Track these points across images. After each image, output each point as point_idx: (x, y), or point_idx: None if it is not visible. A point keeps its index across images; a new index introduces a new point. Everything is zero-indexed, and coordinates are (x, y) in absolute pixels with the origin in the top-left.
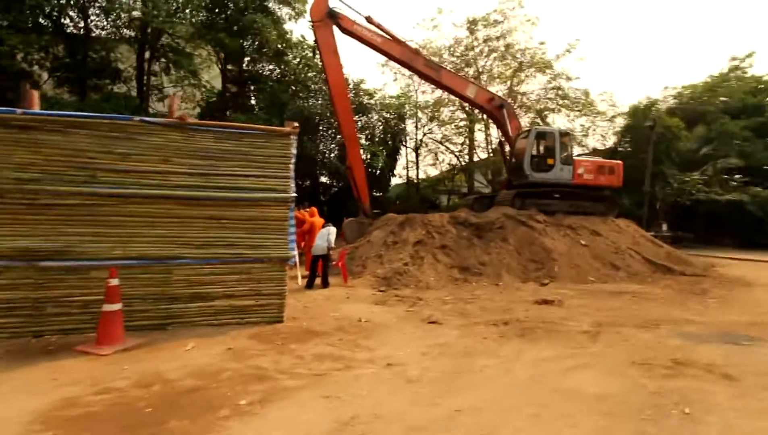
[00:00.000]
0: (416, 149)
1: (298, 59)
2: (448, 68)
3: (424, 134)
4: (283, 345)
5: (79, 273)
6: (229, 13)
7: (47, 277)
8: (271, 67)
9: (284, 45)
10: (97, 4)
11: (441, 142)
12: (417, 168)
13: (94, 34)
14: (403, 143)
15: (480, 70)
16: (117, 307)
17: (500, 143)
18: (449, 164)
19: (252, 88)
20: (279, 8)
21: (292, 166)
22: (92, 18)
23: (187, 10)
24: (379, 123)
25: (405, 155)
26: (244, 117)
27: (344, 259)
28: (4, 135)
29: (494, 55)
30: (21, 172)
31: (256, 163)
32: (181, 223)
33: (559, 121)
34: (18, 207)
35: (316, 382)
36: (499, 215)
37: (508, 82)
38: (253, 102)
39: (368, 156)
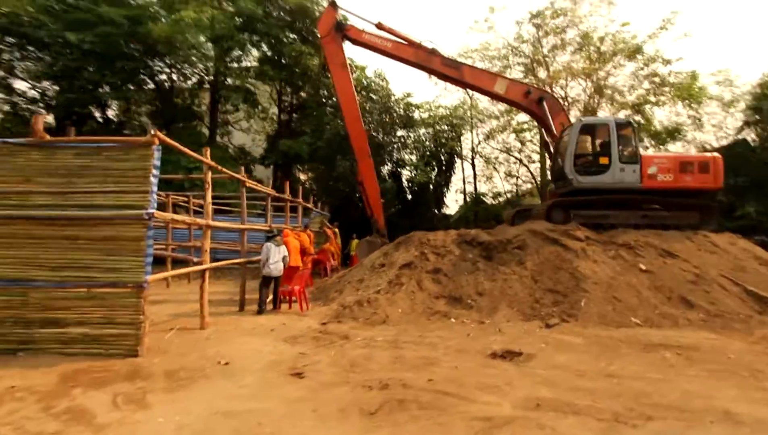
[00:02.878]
0: (472, 161)
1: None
2: (498, 72)
3: (479, 143)
4: (72, 388)
5: None
6: (279, 46)
7: None
8: (311, 91)
9: (324, 70)
10: (180, 55)
11: (508, 152)
12: (475, 181)
13: (176, 85)
14: (459, 156)
15: (553, 67)
16: None
17: (544, 144)
18: (514, 175)
19: (299, 114)
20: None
21: (153, 180)
22: (174, 71)
23: (252, 52)
24: (428, 137)
25: (462, 169)
26: (290, 142)
27: (303, 286)
28: None
29: (570, 48)
30: None
31: (113, 178)
32: (39, 244)
33: (661, 115)
34: None
35: None
36: (521, 232)
37: (593, 77)
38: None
39: (414, 172)
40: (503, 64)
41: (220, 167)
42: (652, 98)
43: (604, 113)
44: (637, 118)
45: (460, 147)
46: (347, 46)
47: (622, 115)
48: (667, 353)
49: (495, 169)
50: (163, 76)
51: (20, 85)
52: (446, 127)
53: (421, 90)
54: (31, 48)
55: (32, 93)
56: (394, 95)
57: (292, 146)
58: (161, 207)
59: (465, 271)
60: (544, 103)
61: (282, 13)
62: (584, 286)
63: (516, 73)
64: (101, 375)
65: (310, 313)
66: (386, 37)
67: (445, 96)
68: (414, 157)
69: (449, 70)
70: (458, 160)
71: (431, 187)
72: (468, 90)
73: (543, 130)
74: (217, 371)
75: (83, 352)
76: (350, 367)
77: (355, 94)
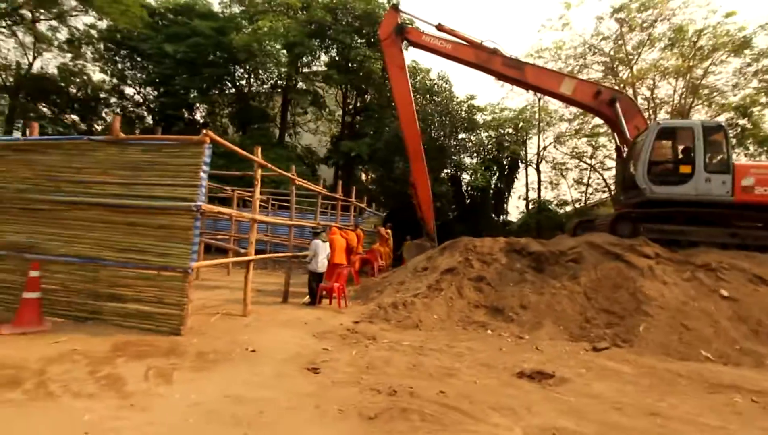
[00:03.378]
0: (537, 166)
1: None
2: (570, 72)
3: (545, 148)
4: (118, 357)
5: (42, 264)
6: (346, 51)
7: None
8: (375, 94)
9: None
10: (257, 61)
11: (579, 158)
12: (539, 188)
13: (253, 89)
14: (523, 161)
15: (638, 66)
16: (35, 295)
17: (616, 150)
18: (584, 183)
19: (362, 116)
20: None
21: (203, 175)
22: (252, 76)
23: (322, 58)
24: (491, 140)
25: (526, 174)
26: (351, 143)
27: (342, 283)
28: (11, 156)
29: (660, 44)
30: (19, 183)
31: (170, 172)
32: (109, 228)
33: None
34: (14, 211)
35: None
36: (578, 244)
37: (687, 75)
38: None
39: (474, 177)
40: (579, 63)
41: (269, 165)
42: (763, 99)
43: (700, 116)
44: (742, 121)
45: (525, 151)
46: (410, 50)
47: (722, 118)
48: (738, 397)
49: (562, 175)
50: (243, 82)
51: (129, 90)
52: (510, 131)
53: (486, 92)
54: (138, 58)
55: (137, 97)
56: (457, 97)
57: (352, 147)
58: (227, 201)
59: (510, 282)
60: (617, 105)
61: (350, 19)
62: (646, 308)
63: (595, 74)
64: (145, 348)
65: (348, 311)
66: (446, 38)
67: (512, 98)
68: (474, 161)
69: (511, 71)
70: (522, 165)
71: (491, 192)
72: (535, 92)
73: (616, 134)
74: (242, 357)
75: (137, 326)
76: (366, 368)
77: (412, 96)
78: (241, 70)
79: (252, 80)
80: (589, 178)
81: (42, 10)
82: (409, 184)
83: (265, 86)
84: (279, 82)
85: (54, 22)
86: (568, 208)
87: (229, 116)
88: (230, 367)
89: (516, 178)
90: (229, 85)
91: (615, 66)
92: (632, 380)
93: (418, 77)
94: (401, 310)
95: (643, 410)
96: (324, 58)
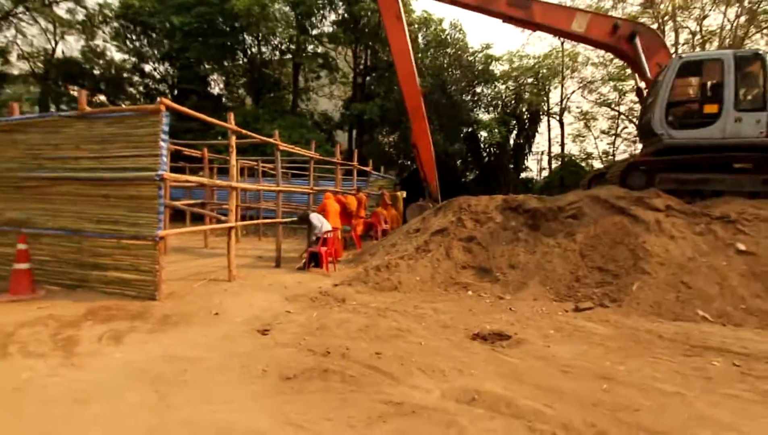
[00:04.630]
0: (561, 117)
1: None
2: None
3: (567, 97)
4: (86, 321)
5: (33, 238)
6: (350, 7)
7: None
8: (383, 52)
9: None
10: (263, 27)
11: (607, 105)
12: (562, 141)
13: (264, 56)
14: (545, 113)
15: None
16: (25, 266)
17: (638, 92)
18: (612, 133)
19: (373, 75)
20: None
21: (163, 145)
22: (262, 43)
23: (330, 16)
24: (509, 92)
25: (549, 127)
26: (361, 105)
27: (330, 247)
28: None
29: None
30: (8, 163)
31: (134, 143)
32: (86, 200)
33: None
34: (8, 189)
35: None
36: (579, 198)
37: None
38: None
39: (491, 133)
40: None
41: (244, 131)
42: None
43: (760, 48)
44: None
45: (547, 102)
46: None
47: None
48: (718, 361)
49: (588, 126)
50: (254, 50)
51: (148, 67)
52: (530, 80)
53: (505, 40)
54: (153, 35)
55: (156, 74)
56: (471, 48)
57: (363, 109)
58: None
59: (503, 241)
60: (637, 40)
61: None
62: (644, 266)
63: (631, 8)
64: (114, 313)
65: (335, 275)
66: None
67: (533, 44)
68: (491, 116)
69: (516, 11)
70: (543, 118)
71: (510, 148)
72: (542, 32)
73: (637, 75)
74: (202, 319)
75: (118, 292)
76: (316, 330)
77: (410, 48)
78: (250, 38)
79: (262, 47)
80: (617, 127)
81: None
82: (411, 144)
83: (276, 52)
84: (290, 47)
85: (71, 4)
86: (596, 163)
87: (244, 86)
88: (185, 329)
89: (537, 131)
90: (241, 54)
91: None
92: (602, 342)
93: (431, 29)
94: (383, 272)
95: (594, 374)
96: (333, 17)
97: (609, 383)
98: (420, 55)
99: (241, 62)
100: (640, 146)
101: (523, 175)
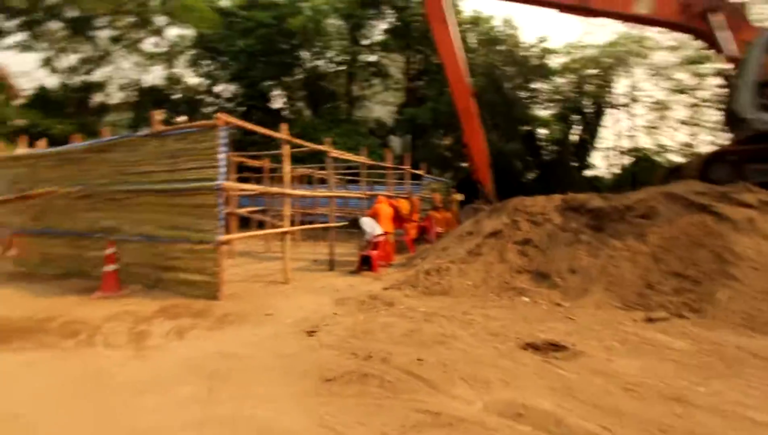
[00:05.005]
0: (630, 108)
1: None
2: None
3: (634, 88)
4: (157, 317)
5: (120, 243)
6: (400, 15)
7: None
8: (433, 55)
9: None
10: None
11: (685, 92)
12: (633, 133)
13: (320, 69)
14: (612, 105)
15: None
16: (112, 267)
17: (722, 75)
18: (693, 123)
19: (425, 79)
20: None
21: (221, 156)
22: (317, 57)
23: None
24: (571, 86)
25: (616, 121)
26: (413, 109)
27: (381, 250)
28: (93, 157)
29: None
30: (101, 178)
31: (197, 156)
32: (163, 210)
33: None
34: (101, 201)
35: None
36: (651, 196)
37: None
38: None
39: (549, 129)
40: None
41: (296, 141)
42: None
43: None
44: None
45: (612, 93)
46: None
47: None
48: None
49: (662, 117)
50: (311, 64)
51: (219, 88)
52: (593, 72)
53: (564, 32)
54: (222, 58)
55: (226, 94)
56: (524, 43)
57: (414, 114)
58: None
59: (562, 244)
60: (713, 16)
61: None
62: (733, 271)
63: None
64: (181, 310)
65: (386, 278)
66: None
67: (595, 33)
68: (549, 112)
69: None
70: (609, 110)
71: (572, 145)
72: (603, 18)
73: (716, 53)
74: (257, 319)
75: (188, 292)
76: (361, 333)
77: (457, 50)
78: (307, 54)
79: (318, 61)
80: (698, 116)
81: (142, 32)
82: (463, 144)
83: (331, 65)
84: (344, 58)
85: (155, 39)
86: (675, 157)
87: (303, 99)
88: (240, 327)
89: (603, 125)
90: (299, 69)
91: None
92: (677, 358)
93: (481, 27)
94: (433, 276)
95: (665, 395)
96: (384, 26)
97: (683, 407)
98: (471, 54)
99: (299, 77)
100: (726, 137)
101: (589, 172)
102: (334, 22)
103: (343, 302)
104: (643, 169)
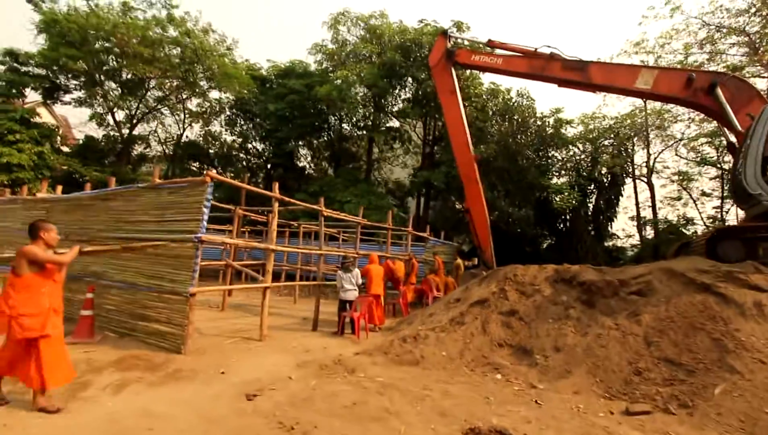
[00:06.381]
0: (649, 179)
1: (473, 106)
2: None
3: (654, 158)
4: (109, 368)
5: (103, 288)
6: (419, 85)
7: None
8: None
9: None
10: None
11: (711, 163)
12: (654, 206)
13: (343, 132)
14: (629, 175)
15: None
16: (88, 312)
17: (730, 148)
18: (713, 196)
19: (441, 145)
20: None
21: (205, 211)
22: (341, 121)
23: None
24: (585, 155)
25: (635, 191)
26: (426, 173)
27: (363, 313)
28: (99, 204)
29: None
30: (100, 225)
31: (184, 210)
32: (146, 258)
33: None
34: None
35: None
36: (648, 271)
37: None
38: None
39: (561, 197)
40: (706, 51)
41: (287, 199)
42: None
43: None
44: None
45: (630, 163)
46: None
47: None
48: None
49: (684, 187)
50: (335, 127)
51: (250, 145)
52: (608, 142)
53: (579, 104)
54: (256, 119)
55: (256, 151)
56: (541, 113)
57: (428, 177)
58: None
59: (549, 318)
60: (718, 91)
61: (420, 55)
62: (734, 362)
63: (732, 58)
64: (137, 363)
65: (365, 342)
66: (497, 53)
67: (612, 104)
68: (564, 180)
69: (573, 74)
70: (628, 180)
71: (588, 214)
72: (603, 92)
73: (725, 130)
74: (206, 377)
75: (155, 343)
76: (301, 401)
77: (464, 121)
78: (333, 118)
79: (343, 124)
80: (722, 187)
81: (186, 93)
82: (464, 209)
83: (354, 129)
84: (367, 123)
85: (196, 99)
86: (700, 229)
87: (327, 159)
88: (184, 385)
89: (622, 195)
90: (325, 131)
91: (758, 44)
92: None
93: (498, 98)
94: (408, 344)
95: None
96: (405, 95)
97: None
98: (486, 123)
99: (325, 138)
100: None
101: (609, 243)
102: (358, 90)
103: (304, 365)
104: (665, 241)
